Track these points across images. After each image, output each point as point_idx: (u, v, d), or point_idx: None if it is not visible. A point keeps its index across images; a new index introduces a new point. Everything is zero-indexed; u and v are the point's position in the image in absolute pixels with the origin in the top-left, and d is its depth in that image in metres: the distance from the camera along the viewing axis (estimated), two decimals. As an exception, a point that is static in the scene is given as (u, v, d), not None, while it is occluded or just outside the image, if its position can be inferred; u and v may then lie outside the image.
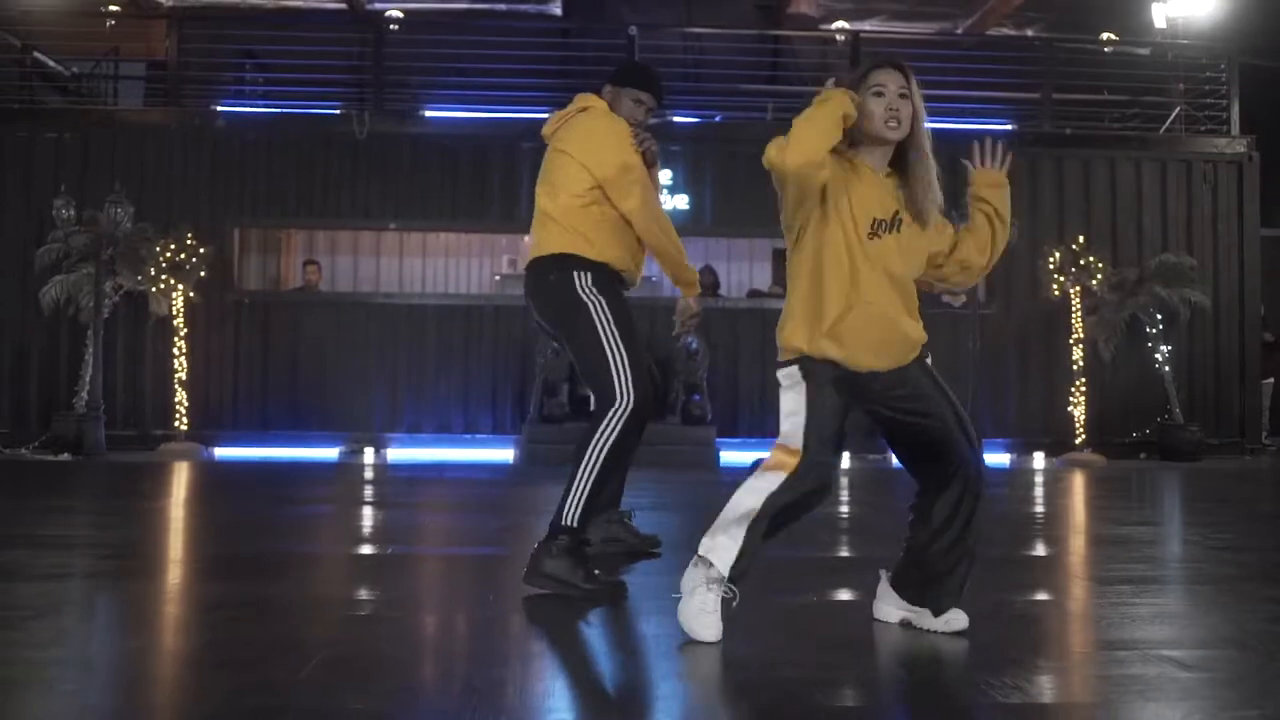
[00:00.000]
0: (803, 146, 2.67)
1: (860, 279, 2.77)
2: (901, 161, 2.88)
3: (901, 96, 2.82)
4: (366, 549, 4.58)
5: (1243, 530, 5.33)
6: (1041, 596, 3.53)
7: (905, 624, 2.93)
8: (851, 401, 2.81)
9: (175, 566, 4.06)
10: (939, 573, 2.86)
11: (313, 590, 3.60)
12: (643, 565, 3.96)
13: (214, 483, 7.86)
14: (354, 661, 2.56)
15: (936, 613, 2.87)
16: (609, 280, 3.59)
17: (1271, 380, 12.32)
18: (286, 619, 3.07)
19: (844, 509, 6.08)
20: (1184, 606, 3.39)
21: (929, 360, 2.96)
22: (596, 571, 3.37)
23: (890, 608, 2.97)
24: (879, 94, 2.80)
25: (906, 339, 2.83)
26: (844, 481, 7.90)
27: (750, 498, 2.75)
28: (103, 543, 4.67)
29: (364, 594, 3.53)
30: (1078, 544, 5.01)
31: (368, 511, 6.01)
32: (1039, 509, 6.61)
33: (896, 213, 2.84)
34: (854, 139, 2.84)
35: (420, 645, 2.87)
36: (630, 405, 3.43)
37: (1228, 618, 3.18)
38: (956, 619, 2.86)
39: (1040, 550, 4.71)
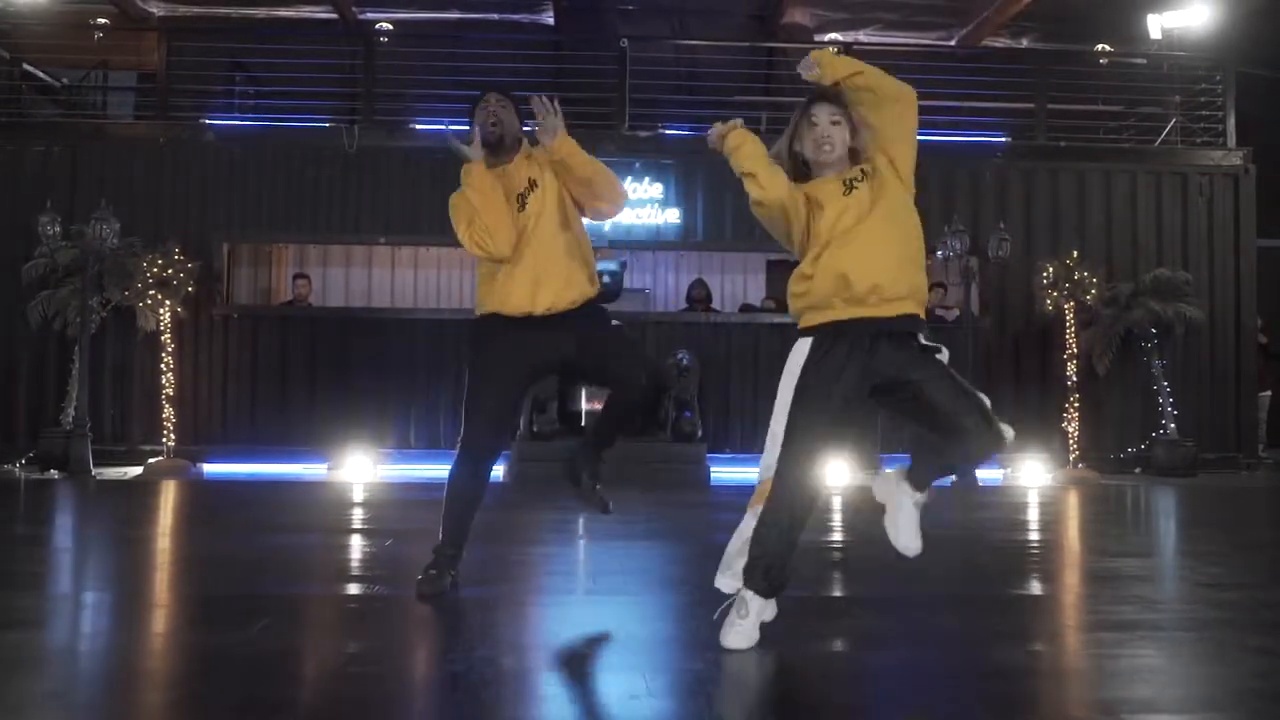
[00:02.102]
0: (755, 184, 3.21)
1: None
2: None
3: (834, 124, 3.19)
4: (351, 588, 4.52)
5: (1235, 562, 5.27)
6: (1019, 648, 3.45)
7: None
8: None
9: (154, 612, 3.99)
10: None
11: (292, 640, 3.53)
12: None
13: (197, 507, 7.80)
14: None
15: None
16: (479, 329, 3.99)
17: (1269, 393, 12.27)
18: (262, 673, 3.01)
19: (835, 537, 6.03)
20: (1165, 659, 3.32)
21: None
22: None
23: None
24: (813, 124, 3.21)
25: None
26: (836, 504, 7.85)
27: None
28: (81, 582, 4.63)
29: (345, 644, 3.46)
30: (1064, 581, 4.95)
31: (353, 542, 5.95)
32: (1028, 536, 6.54)
33: (862, 171, 3.21)
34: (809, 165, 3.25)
35: (405, 706, 2.78)
36: None
37: (1209, 673, 3.12)
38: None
39: (1024, 589, 4.65)
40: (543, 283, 3.87)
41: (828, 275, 3.14)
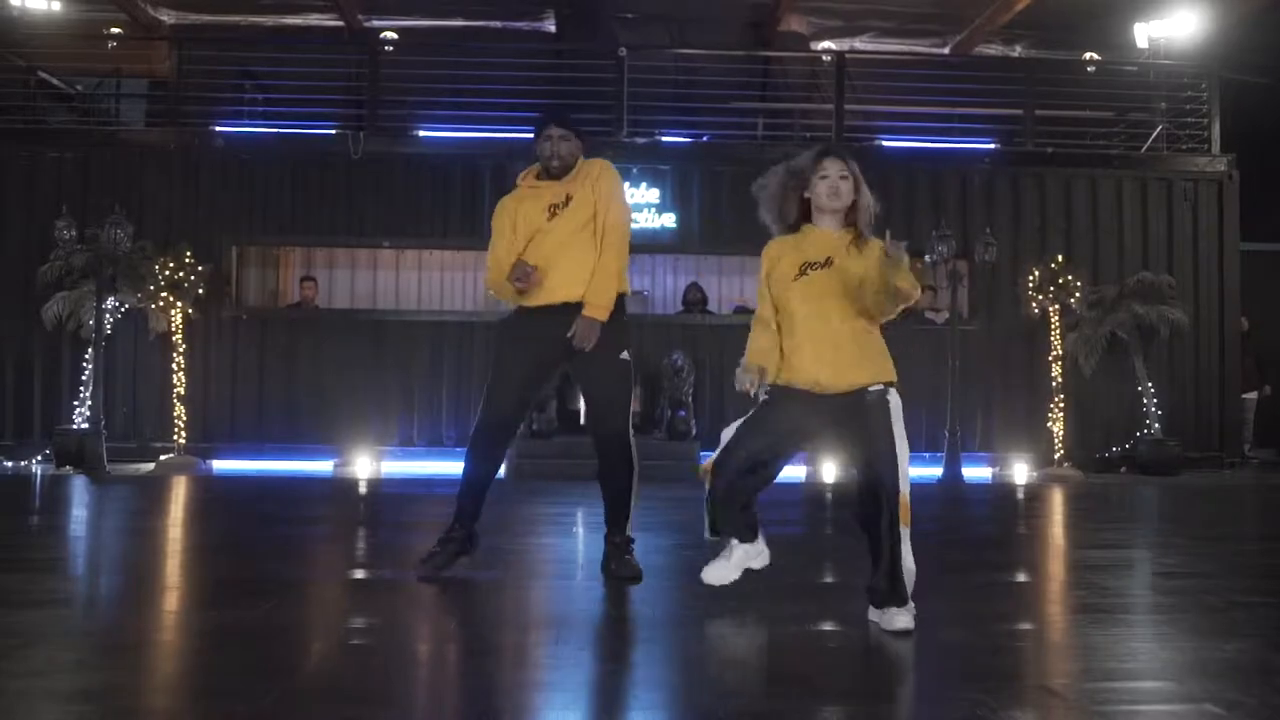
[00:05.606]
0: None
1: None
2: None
3: (842, 178, 3.55)
4: (356, 573, 4.77)
5: (1192, 555, 5.54)
6: (980, 628, 3.70)
7: None
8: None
9: (166, 593, 4.26)
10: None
11: (299, 617, 3.79)
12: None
13: (208, 500, 8.07)
14: (337, 690, 2.76)
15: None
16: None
17: (1255, 395, 12.49)
18: (270, 645, 3.25)
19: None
20: (1106, 638, 3.57)
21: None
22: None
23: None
24: (824, 177, 3.57)
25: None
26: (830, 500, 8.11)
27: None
28: (97, 566, 4.90)
29: (350, 621, 3.73)
30: (1032, 570, 5.21)
31: (359, 532, 6.23)
32: (1005, 530, 6.81)
33: (829, 257, 3.56)
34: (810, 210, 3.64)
35: (407, 674, 2.99)
36: None
37: (1144, 649, 3.39)
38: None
39: (993, 578, 4.88)
40: (546, 277, 4.35)
41: None
